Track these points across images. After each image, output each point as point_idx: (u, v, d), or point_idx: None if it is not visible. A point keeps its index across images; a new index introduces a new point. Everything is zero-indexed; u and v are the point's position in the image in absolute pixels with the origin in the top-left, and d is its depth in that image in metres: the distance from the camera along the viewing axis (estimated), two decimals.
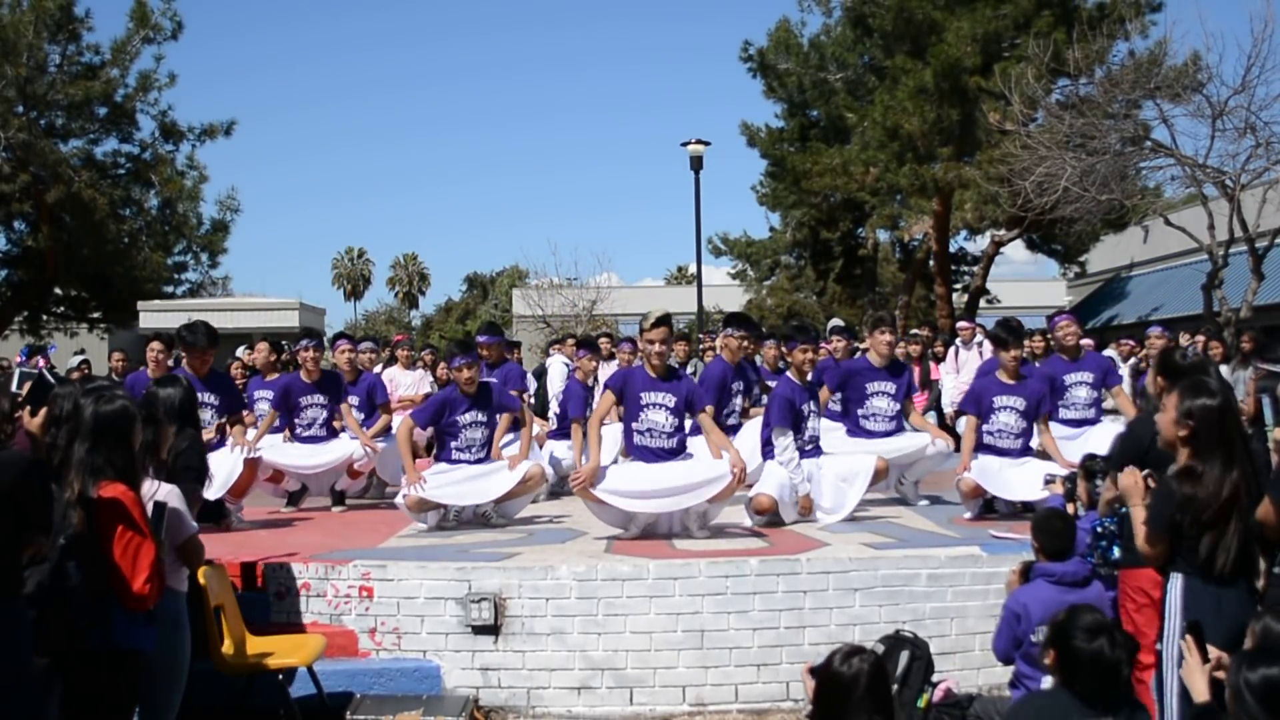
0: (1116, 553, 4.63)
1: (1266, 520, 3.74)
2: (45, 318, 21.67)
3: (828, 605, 5.95)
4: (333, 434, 8.46)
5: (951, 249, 24.30)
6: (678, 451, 6.86)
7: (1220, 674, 3.28)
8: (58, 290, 21.08)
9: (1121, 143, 14.73)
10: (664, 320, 6.82)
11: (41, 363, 11.03)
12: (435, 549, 6.56)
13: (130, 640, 3.87)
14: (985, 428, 7.45)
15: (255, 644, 5.50)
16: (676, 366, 7.17)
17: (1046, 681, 4.36)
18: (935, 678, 5.36)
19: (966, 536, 6.67)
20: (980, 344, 12.45)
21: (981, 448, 7.44)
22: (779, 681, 5.88)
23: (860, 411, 8.04)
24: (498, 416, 7.53)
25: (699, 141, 20.60)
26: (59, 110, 19.23)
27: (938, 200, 21.10)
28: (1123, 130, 14.74)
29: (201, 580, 5.11)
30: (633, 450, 6.93)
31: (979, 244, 26.30)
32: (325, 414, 8.37)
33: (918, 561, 6.09)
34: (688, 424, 7.09)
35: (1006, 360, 7.45)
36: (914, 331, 13.91)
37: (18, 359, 11.56)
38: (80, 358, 13.17)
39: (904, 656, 5.27)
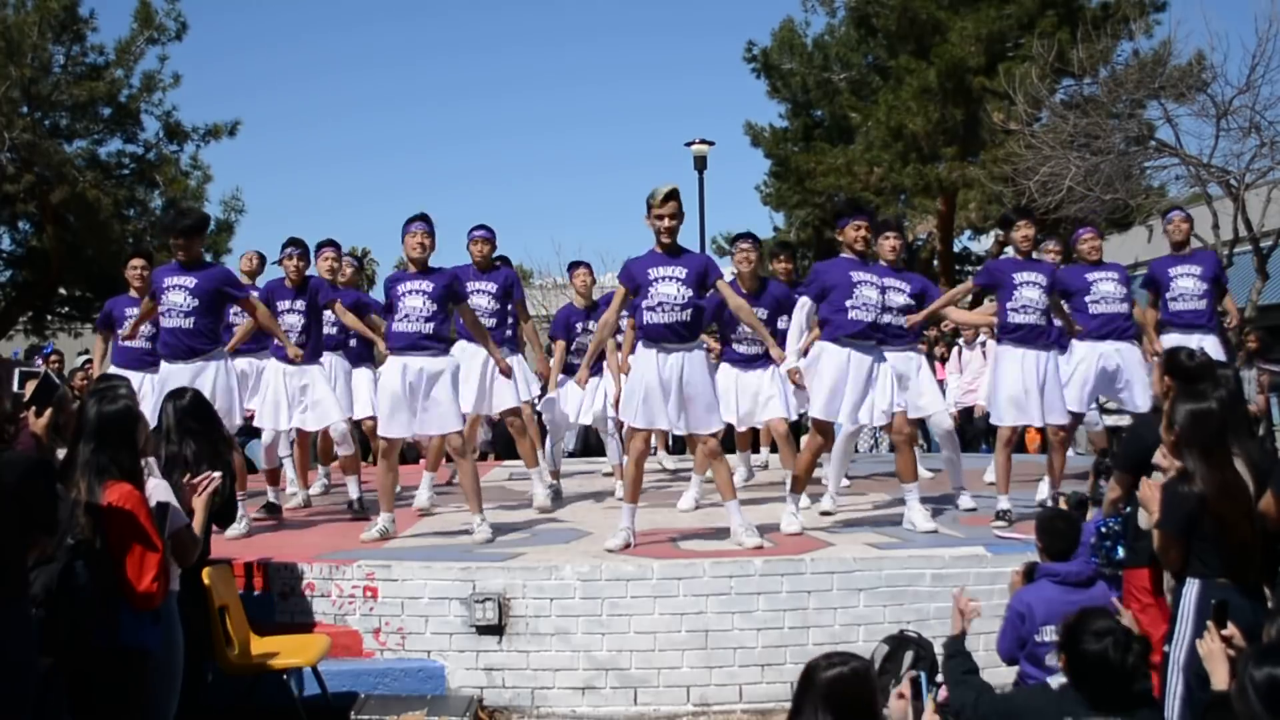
0: (1121, 553, 4.63)
1: (1267, 512, 3.74)
2: (50, 318, 21.69)
3: (832, 605, 5.95)
4: (314, 354, 8.04)
5: (956, 249, 24.27)
6: (690, 325, 6.49)
7: (1234, 652, 3.30)
8: (62, 290, 21.09)
9: (1126, 142, 14.69)
10: (674, 195, 6.49)
11: (40, 363, 11.03)
12: (440, 549, 6.57)
13: (137, 639, 3.88)
14: (1009, 304, 7.23)
15: (260, 644, 5.51)
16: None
17: (1053, 682, 4.36)
18: (939, 678, 5.35)
19: (971, 537, 6.66)
20: (983, 344, 12.43)
21: (1009, 332, 7.22)
22: (783, 682, 5.88)
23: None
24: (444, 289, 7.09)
25: (703, 141, 20.59)
26: (63, 111, 19.22)
27: (942, 200, 21.08)
28: (1127, 130, 14.71)
29: (206, 580, 5.13)
30: (644, 329, 6.53)
31: (983, 244, 26.26)
32: (302, 320, 8.02)
33: (922, 561, 6.09)
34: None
35: (1018, 239, 7.32)
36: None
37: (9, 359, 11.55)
38: (85, 358, 13.17)
39: (908, 657, 5.25)
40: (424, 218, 7.13)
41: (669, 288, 6.40)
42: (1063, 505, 5.59)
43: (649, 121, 78.05)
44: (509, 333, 8.46)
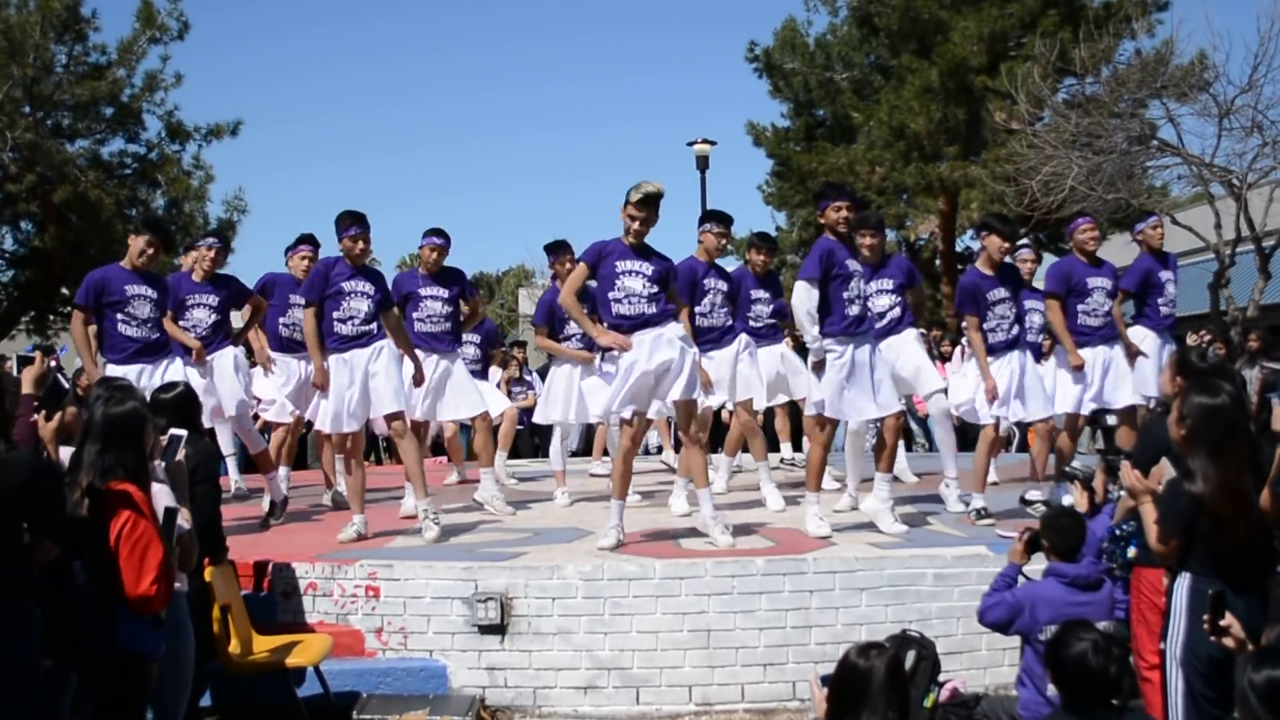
0: (1131, 552, 4.63)
1: (1266, 510, 3.74)
2: (52, 317, 21.65)
3: (834, 605, 5.95)
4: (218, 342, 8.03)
5: (958, 248, 24.21)
6: (659, 317, 6.53)
7: (1231, 642, 3.32)
8: (64, 290, 21.05)
9: (1128, 142, 14.68)
10: (651, 200, 6.50)
11: (51, 362, 11.02)
12: (441, 549, 6.57)
13: (135, 644, 3.85)
14: (986, 325, 7.34)
15: (262, 644, 5.52)
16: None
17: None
18: (942, 677, 5.36)
19: (973, 536, 6.67)
20: None
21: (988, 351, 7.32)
22: (785, 681, 5.89)
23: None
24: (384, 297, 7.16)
25: (705, 141, 20.61)
26: (65, 110, 19.20)
27: (944, 199, 21.06)
28: (1129, 129, 14.70)
29: (208, 580, 5.13)
30: (610, 319, 6.55)
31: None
32: (213, 316, 8.03)
33: (924, 561, 6.09)
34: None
35: (995, 251, 7.36)
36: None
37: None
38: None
39: (910, 656, 5.26)
40: (358, 216, 7.11)
41: (634, 282, 6.49)
42: (1076, 484, 5.59)
43: (651, 121, 78.17)
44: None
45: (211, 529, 5.24)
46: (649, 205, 6.51)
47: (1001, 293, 7.39)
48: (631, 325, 6.49)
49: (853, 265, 6.80)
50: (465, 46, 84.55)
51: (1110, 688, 3.54)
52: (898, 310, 8.12)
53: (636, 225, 6.51)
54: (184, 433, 4.56)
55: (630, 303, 6.49)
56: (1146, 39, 17.35)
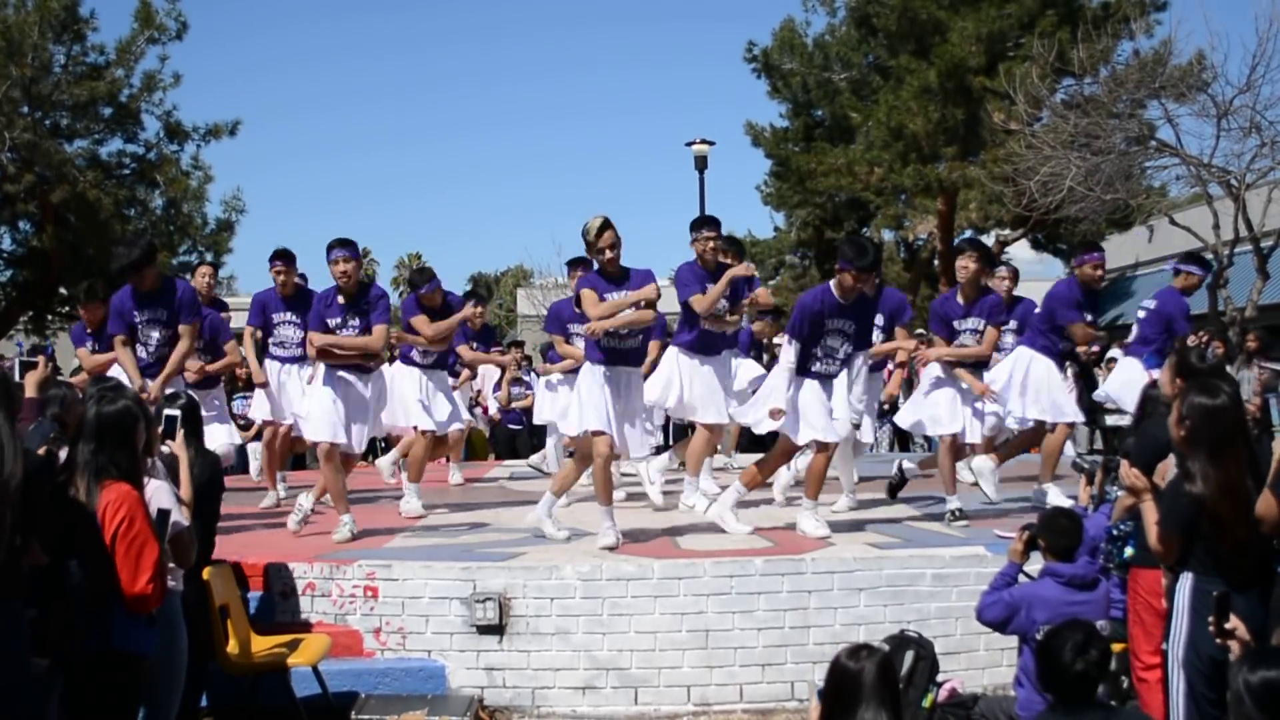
0: (1128, 552, 4.63)
1: (1266, 515, 3.74)
2: (50, 318, 21.66)
3: (832, 605, 5.95)
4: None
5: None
6: (638, 354, 6.70)
7: (1236, 645, 3.33)
8: (62, 290, 21.07)
9: (1126, 142, 14.69)
10: (608, 224, 6.54)
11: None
12: (440, 549, 6.57)
13: (130, 643, 3.84)
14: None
15: (260, 644, 5.51)
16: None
17: None
18: (940, 678, 5.36)
19: (971, 536, 6.67)
20: None
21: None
22: (784, 681, 5.89)
23: None
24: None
25: (703, 141, 20.62)
26: (64, 111, 19.21)
27: (942, 200, 21.09)
28: (1127, 130, 14.70)
29: (206, 579, 5.13)
30: (595, 354, 6.57)
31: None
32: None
33: (922, 561, 6.09)
34: None
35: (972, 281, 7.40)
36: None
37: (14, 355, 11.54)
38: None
39: (909, 656, 5.27)
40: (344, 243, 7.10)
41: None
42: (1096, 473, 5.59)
43: (650, 121, 78.29)
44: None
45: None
46: (610, 227, 6.54)
47: (969, 323, 7.44)
48: (611, 360, 6.53)
49: (832, 324, 6.70)
50: (464, 45, 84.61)
51: (1089, 687, 3.56)
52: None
53: (609, 255, 6.54)
54: (178, 413, 4.75)
55: (615, 335, 6.50)
56: (1145, 39, 17.39)
